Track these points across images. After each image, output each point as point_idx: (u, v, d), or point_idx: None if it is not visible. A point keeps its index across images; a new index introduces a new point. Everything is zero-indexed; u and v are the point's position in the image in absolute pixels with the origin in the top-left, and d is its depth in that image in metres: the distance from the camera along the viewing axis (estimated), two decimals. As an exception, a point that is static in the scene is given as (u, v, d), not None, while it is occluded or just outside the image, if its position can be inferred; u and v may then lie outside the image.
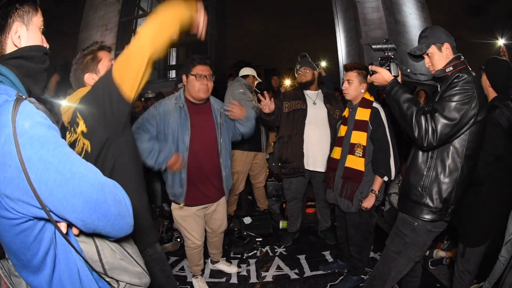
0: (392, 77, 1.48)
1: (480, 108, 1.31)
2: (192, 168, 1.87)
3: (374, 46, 1.56)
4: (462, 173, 1.38)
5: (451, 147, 1.37)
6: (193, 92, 1.85)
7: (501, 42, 5.65)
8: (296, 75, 2.75)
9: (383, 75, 1.49)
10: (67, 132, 1.16)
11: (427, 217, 1.42)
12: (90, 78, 1.19)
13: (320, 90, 2.72)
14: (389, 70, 1.50)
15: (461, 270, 1.76)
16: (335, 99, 2.80)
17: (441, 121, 1.30)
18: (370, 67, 1.54)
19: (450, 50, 1.43)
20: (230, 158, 2.05)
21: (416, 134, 1.34)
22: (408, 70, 1.64)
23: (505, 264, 1.69)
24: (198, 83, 1.83)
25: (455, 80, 1.32)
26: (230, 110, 1.94)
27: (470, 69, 1.40)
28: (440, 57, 1.44)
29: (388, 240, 1.59)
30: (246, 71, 3.18)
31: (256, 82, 3.23)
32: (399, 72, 1.52)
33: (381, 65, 1.52)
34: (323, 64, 8.06)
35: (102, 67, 1.20)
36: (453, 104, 1.30)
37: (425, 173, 1.43)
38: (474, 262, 1.74)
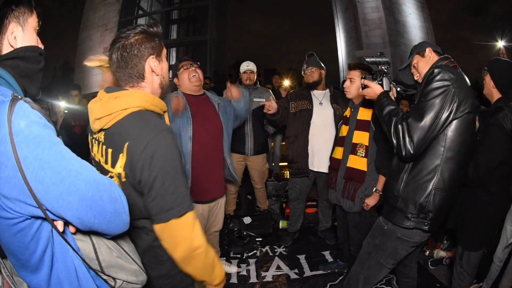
0: (383, 91, 1.44)
1: (461, 102, 1.22)
2: (196, 158, 1.87)
3: (368, 59, 1.53)
4: (442, 178, 1.27)
5: (428, 148, 1.28)
6: (187, 81, 1.94)
7: (501, 44, 5.62)
8: (303, 74, 2.72)
9: (374, 90, 1.45)
10: (95, 145, 0.96)
11: (401, 222, 1.34)
12: (154, 65, 0.96)
13: (327, 90, 2.70)
14: (381, 84, 1.46)
15: (459, 271, 1.76)
16: (342, 98, 2.72)
17: (415, 126, 1.22)
18: (362, 81, 1.51)
19: (433, 53, 1.41)
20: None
21: (395, 144, 1.28)
22: (398, 89, 1.62)
23: (500, 266, 1.68)
24: (187, 71, 1.94)
25: (429, 78, 1.26)
26: (229, 90, 2.04)
27: (455, 66, 1.33)
28: (424, 63, 1.42)
29: (364, 240, 1.56)
30: (241, 67, 3.12)
31: (247, 72, 3.03)
32: (392, 87, 1.48)
33: (373, 79, 1.49)
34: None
35: (163, 57, 1.01)
36: (426, 103, 1.22)
37: (400, 175, 1.36)
38: (473, 264, 1.73)
